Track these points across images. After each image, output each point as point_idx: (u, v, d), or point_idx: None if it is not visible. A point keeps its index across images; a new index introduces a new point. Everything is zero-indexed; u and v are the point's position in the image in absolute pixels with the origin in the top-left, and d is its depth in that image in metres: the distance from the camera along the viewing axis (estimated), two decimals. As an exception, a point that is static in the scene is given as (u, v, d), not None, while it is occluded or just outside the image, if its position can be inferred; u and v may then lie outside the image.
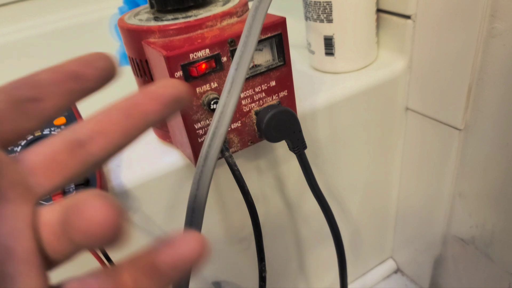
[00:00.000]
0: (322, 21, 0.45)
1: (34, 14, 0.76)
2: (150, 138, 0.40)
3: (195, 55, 0.29)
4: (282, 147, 0.43)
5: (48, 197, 0.30)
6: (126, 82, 0.70)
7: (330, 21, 0.44)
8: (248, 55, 0.22)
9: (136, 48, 0.33)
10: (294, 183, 0.47)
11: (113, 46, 0.67)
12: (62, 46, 0.74)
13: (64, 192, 0.30)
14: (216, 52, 0.29)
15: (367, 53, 0.47)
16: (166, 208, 0.39)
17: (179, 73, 0.29)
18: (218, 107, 0.21)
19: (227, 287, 0.48)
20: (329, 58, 0.47)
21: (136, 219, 0.37)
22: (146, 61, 0.33)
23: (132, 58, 0.34)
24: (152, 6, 0.34)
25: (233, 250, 0.47)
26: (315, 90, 0.45)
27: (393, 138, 0.53)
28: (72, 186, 0.31)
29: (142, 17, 0.34)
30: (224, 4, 0.34)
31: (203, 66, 0.29)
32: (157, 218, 0.39)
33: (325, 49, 0.46)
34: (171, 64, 0.28)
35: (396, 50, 0.48)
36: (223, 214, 0.43)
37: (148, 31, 0.31)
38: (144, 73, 0.34)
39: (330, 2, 0.43)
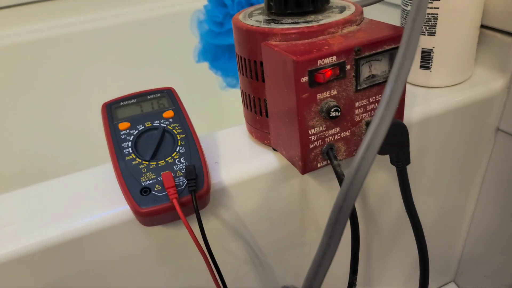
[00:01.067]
0: (423, 33, 0.43)
1: (114, 5, 0.78)
2: (245, 138, 0.40)
3: (323, 62, 0.29)
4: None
5: (161, 188, 0.31)
6: (203, 78, 0.71)
7: (432, 33, 0.43)
8: (408, 67, 0.21)
9: (251, 48, 0.33)
10: (374, 196, 0.46)
11: (191, 41, 0.68)
12: (140, 39, 0.76)
13: (176, 185, 0.31)
14: (342, 60, 0.29)
15: (464, 70, 0.46)
16: (256, 208, 0.39)
17: (305, 79, 0.28)
18: (375, 119, 0.21)
19: (297, 293, 0.48)
20: (424, 71, 0.46)
21: (227, 216, 0.38)
22: (261, 63, 0.33)
23: (244, 58, 0.35)
24: (269, 8, 0.34)
25: (294, 254, 0.46)
26: (408, 103, 0.44)
27: (477, 158, 0.51)
28: (184, 180, 0.31)
29: (259, 19, 0.34)
30: (341, 12, 0.34)
31: (329, 73, 0.29)
32: (246, 218, 0.39)
33: (421, 62, 0.45)
34: (299, 69, 0.28)
35: (495, 68, 0.46)
36: (292, 216, 0.42)
37: (270, 33, 0.31)
38: (255, 74, 0.34)
39: (436, 14, 0.42)
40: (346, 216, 0.21)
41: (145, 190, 0.31)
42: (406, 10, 0.45)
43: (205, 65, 0.68)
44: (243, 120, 0.41)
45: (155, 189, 0.31)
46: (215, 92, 0.71)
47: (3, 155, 0.77)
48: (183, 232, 0.36)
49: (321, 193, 0.42)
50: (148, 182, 0.31)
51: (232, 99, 0.74)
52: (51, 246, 0.31)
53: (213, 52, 0.64)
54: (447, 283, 0.65)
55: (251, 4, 0.59)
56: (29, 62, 0.73)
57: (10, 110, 0.74)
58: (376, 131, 0.21)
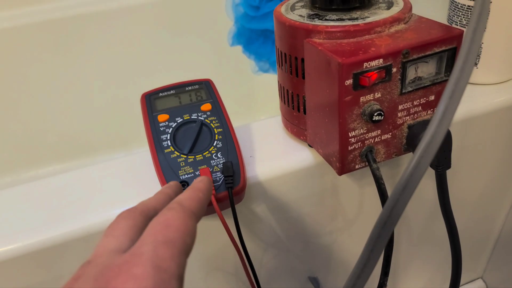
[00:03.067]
0: (471, 27, 0.41)
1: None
2: (280, 131, 0.40)
3: (369, 64, 0.28)
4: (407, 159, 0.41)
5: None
6: (235, 62, 0.70)
7: (482, 28, 0.41)
8: (465, 81, 0.20)
9: (292, 44, 0.32)
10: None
11: (226, 24, 0.67)
12: (173, 19, 0.75)
13: (213, 181, 0.31)
14: (389, 63, 0.28)
15: (513, 66, 0.43)
16: (288, 202, 0.39)
17: (349, 81, 0.28)
18: (426, 136, 0.20)
19: (324, 282, 0.49)
20: (469, 67, 0.43)
21: (259, 210, 0.38)
22: (302, 60, 0.32)
23: (284, 53, 0.34)
24: (313, 2, 0.33)
25: (320, 242, 0.46)
26: (450, 100, 0.42)
27: (518, 159, 0.49)
28: (221, 176, 0.32)
29: (302, 13, 0.33)
30: (388, 8, 0.32)
31: (374, 76, 0.28)
32: (278, 211, 0.39)
33: (467, 57, 0.43)
34: (344, 72, 0.27)
35: (547, 66, 0.44)
36: (321, 208, 0.42)
37: (314, 31, 0.30)
38: (295, 70, 0.33)
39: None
40: (389, 231, 0.21)
41: (183, 184, 0.31)
42: (456, 1, 0.42)
43: (238, 48, 0.67)
44: (274, 107, 0.41)
45: (193, 184, 0.31)
46: (247, 76, 0.70)
47: (41, 129, 0.79)
48: (216, 223, 0.37)
49: (352, 189, 0.42)
50: (186, 176, 0.32)
51: (264, 84, 0.74)
52: (93, 232, 0.33)
53: (247, 36, 0.63)
54: (474, 280, 0.64)
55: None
56: (64, 39, 0.74)
57: (49, 86, 0.76)
58: (427, 148, 0.20)
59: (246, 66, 0.68)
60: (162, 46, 0.75)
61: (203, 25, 0.73)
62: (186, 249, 0.20)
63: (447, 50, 0.29)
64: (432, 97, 0.32)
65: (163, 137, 0.34)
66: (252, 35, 0.62)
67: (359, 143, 0.31)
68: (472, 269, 0.63)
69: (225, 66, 0.74)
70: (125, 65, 0.76)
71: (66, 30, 0.73)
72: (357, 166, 0.32)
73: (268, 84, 0.71)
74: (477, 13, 0.21)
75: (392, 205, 0.21)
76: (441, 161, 0.33)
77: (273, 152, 0.38)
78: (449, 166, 0.34)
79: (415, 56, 0.29)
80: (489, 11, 0.39)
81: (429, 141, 0.20)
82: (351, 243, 0.47)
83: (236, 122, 0.37)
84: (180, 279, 0.19)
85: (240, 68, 0.70)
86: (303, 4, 0.35)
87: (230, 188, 0.31)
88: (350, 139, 0.30)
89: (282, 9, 0.35)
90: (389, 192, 0.34)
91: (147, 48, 0.75)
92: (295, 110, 0.36)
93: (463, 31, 0.30)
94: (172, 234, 0.20)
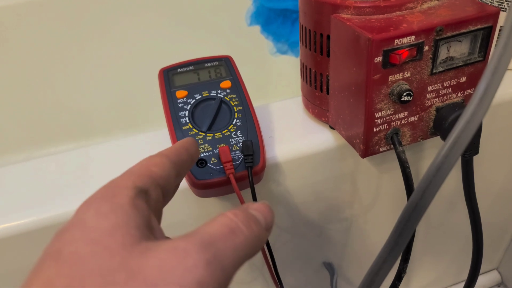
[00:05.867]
0: (503, 8, 0.39)
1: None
2: (301, 112, 0.39)
3: (400, 41, 0.26)
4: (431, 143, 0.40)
5: (217, 161, 0.30)
6: (252, 42, 0.69)
7: (516, 9, 0.39)
8: (507, 60, 0.19)
9: (318, 20, 0.31)
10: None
11: (245, 2, 0.66)
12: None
13: (232, 159, 0.31)
14: (420, 40, 0.27)
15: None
16: (306, 184, 0.38)
17: (378, 59, 0.26)
18: (464, 116, 0.19)
19: (339, 268, 0.48)
20: (499, 51, 0.42)
21: (277, 191, 0.37)
22: (328, 36, 0.31)
23: (308, 30, 0.33)
24: (341, -24, 0.32)
25: (335, 228, 0.45)
26: (478, 85, 0.40)
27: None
28: (240, 155, 0.31)
29: (328, -13, 0.32)
30: (421, -18, 0.31)
31: (405, 54, 0.27)
32: (295, 193, 0.38)
33: (498, 40, 0.41)
34: (374, 48, 0.26)
35: None
36: (339, 193, 0.41)
37: (341, 6, 0.29)
38: (320, 47, 0.32)
39: (524, -12, 0.37)
40: (419, 215, 0.20)
41: (201, 162, 0.31)
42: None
43: (256, 28, 0.66)
44: (291, 91, 0.40)
45: (211, 162, 0.31)
46: (264, 57, 0.69)
47: (54, 108, 0.79)
48: (234, 204, 0.36)
49: (372, 174, 0.41)
50: (204, 154, 0.31)
51: (281, 66, 0.72)
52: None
53: (266, 16, 0.62)
54: (489, 271, 0.63)
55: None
56: (79, 15, 0.73)
57: (64, 64, 0.76)
58: (465, 128, 0.19)
59: (264, 47, 0.67)
60: (179, 24, 0.74)
61: (220, 3, 0.72)
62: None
63: (482, 29, 0.28)
64: (463, 79, 0.30)
65: (181, 113, 0.33)
66: (271, 15, 0.60)
67: (385, 124, 0.30)
68: (488, 260, 0.62)
69: (241, 47, 0.72)
70: (141, 43, 0.75)
71: (82, 5, 0.72)
72: (381, 149, 0.31)
73: (285, 67, 0.69)
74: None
75: (424, 188, 0.20)
76: (469, 146, 0.32)
77: (293, 133, 0.37)
78: (476, 152, 0.33)
79: (448, 34, 0.27)
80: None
81: (467, 120, 0.19)
82: (366, 230, 0.47)
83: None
84: None
85: (257, 49, 0.69)
86: (329, -22, 0.34)
87: (249, 168, 0.30)
88: (376, 120, 0.29)
89: (308, -17, 0.33)
90: (413, 177, 0.33)
91: (164, 26, 0.74)
92: (318, 90, 0.35)
93: (499, 9, 0.28)
94: None
